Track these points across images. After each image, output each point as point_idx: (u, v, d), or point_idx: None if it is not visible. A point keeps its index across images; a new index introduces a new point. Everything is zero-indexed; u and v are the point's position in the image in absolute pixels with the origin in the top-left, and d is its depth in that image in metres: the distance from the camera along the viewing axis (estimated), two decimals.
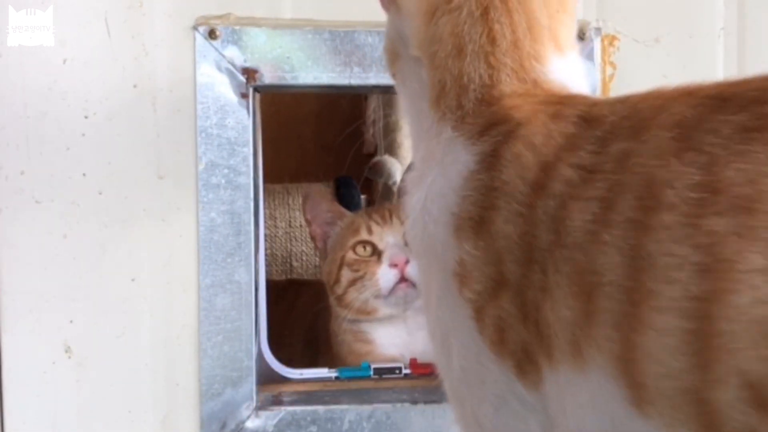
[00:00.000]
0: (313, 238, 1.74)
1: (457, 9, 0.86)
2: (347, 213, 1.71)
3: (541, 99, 0.82)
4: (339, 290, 1.64)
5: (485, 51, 0.85)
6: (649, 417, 0.65)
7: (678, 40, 1.48)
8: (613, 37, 1.45)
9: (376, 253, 1.62)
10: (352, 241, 1.64)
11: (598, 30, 1.44)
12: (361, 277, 1.61)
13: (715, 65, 1.49)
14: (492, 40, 0.85)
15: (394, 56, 0.97)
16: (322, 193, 1.85)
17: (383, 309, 1.62)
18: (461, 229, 0.79)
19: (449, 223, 0.80)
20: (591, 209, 0.69)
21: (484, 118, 0.82)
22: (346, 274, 1.63)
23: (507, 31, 0.85)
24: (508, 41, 0.85)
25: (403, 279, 1.58)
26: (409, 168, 0.90)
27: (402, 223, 1.62)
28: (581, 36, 1.42)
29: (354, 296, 1.61)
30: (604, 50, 1.45)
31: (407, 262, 1.58)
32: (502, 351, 0.77)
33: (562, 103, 0.81)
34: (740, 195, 0.61)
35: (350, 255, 1.63)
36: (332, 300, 1.68)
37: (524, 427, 0.79)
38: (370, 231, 1.64)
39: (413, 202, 0.86)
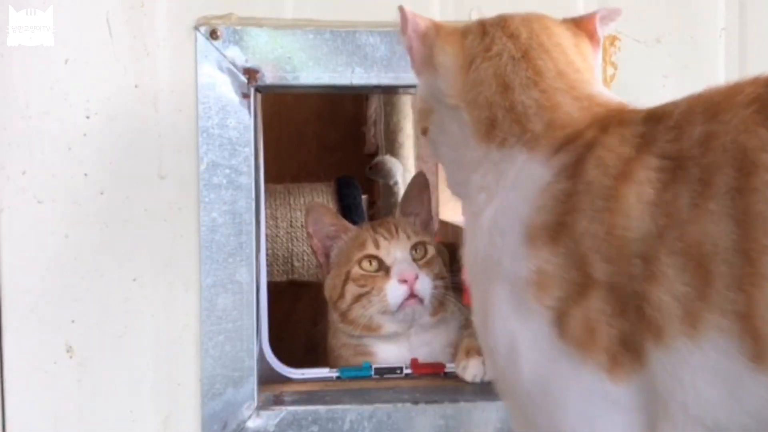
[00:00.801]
0: (314, 252, 1.69)
1: (497, 55, 0.96)
2: (351, 227, 1.67)
3: (604, 112, 0.90)
4: (343, 306, 1.60)
5: (533, 80, 0.94)
6: None
7: (679, 40, 1.48)
8: (615, 37, 1.45)
9: (383, 268, 1.58)
10: (358, 255, 1.60)
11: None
12: (368, 293, 1.57)
13: (716, 65, 1.49)
14: (538, 72, 0.94)
15: (427, 113, 1.05)
16: (324, 206, 1.81)
17: (388, 326, 1.59)
18: (536, 238, 0.83)
19: (521, 233, 0.85)
20: (691, 188, 0.75)
21: (558, 137, 0.89)
22: (352, 290, 1.59)
23: (550, 65, 0.95)
24: (553, 72, 0.95)
25: (412, 295, 1.55)
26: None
27: (408, 237, 1.61)
28: None
29: (359, 312, 1.58)
30: (605, 50, 1.45)
31: (417, 277, 1.55)
32: (593, 349, 0.80)
33: (622, 111, 0.89)
34: None
35: (356, 270, 1.59)
36: (335, 316, 1.64)
37: (605, 429, 0.81)
38: (377, 245, 1.60)
39: (481, 222, 0.91)
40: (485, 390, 1.50)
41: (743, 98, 0.76)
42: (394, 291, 1.55)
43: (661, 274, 0.75)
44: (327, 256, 1.67)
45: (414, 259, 1.60)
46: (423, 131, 1.08)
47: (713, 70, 1.49)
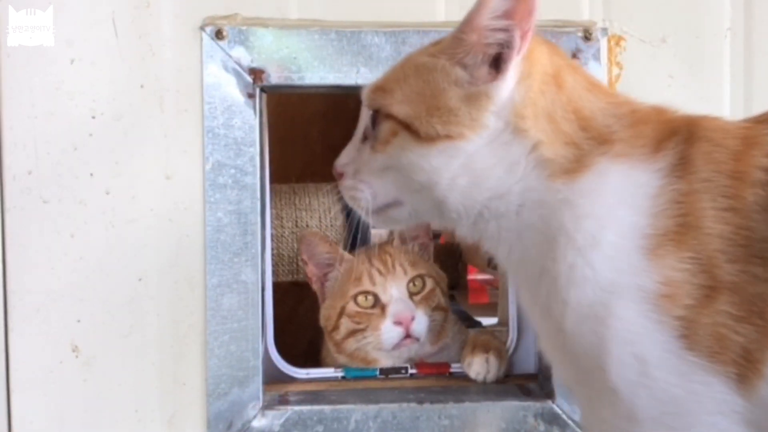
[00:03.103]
0: (309, 279, 1.66)
1: (572, 88, 0.92)
2: (346, 256, 1.63)
3: (679, 113, 0.88)
4: (337, 337, 1.59)
5: (612, 103, 0.91)
6: None
7: (684, 40, 1.47)
8: (620, 38, 1.45)
9: (379, 305, 1.56)
10: (353, 291, 1.57)
11: (604, 30, 1.44)
12: (363, 330, 1.56)
13: (721, 65, 1.49)
14: (609, 95, 0.93)
15: (463, 120, 0.92)
16: (317, 234, 1.77)
17: (383, 360, 1.59)
18: (659, 247, 0.80)
19: (638, 245, 0.81)
20: None
21: (650, 140, 0.85)
22: (346, 324, 1.58)
23: (601, 84, 0.94)
24: (605, 91, 0.94)
25: (407, 335, 1.54)
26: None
27: (405, 272, 1.58)
28: (587, 36, 1.42)
29: (353, 346, 1.57)
30: (610, 50, 1.45)
31: (413, 318, 1.53)
32: (724, 360, 0.77)
33: (688, 115, 0.88)
34: None
35: (351, 306, 1.57)
36: (330, 345, 1.63)
37: None
38: (372, 281, 1.57)
39: (600, 249, 0.84)
40: (490, 390, 1.51)
41: None
42: (388, 332, 1.54)
43: None
44: (322, 283, 1.65)
45: (411, 293, 1.57)
46: (444, 137, 0.91)
47: (718, 70, 1.49)
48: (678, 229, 0.79)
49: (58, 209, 1.38)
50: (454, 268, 1.63)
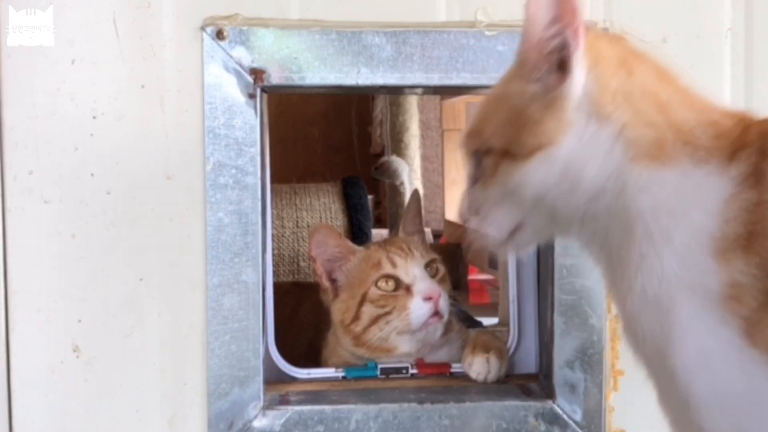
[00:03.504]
0: (317, 276, 1.65)
1: (642, 71, 0.95)
2: (356, 248, 1.65)
3: (747, 120, 0.92)
4: (358, 328, 1.58)
5: (684, 100, 0.94)
6: None
7: (685, 40, 1.47)
8: (621, 38, 1.45)
9: (402, 287, 1.57)
10: (374, 276, 1.58)
11: (605, 30, 1.44)
12: (388, 313, 1.55)
13: (721, 66, 1.49)
14: (682, 91, 0.95)
15: (543, 129, 0.96)
16: (329, 227, 1.77)
17: (403, 346, 1.58)
18: (728, 251, 0.84)
19: (708, 246, 0.86)
20: None
21: (726, 147, 0.89)
22: (369, 311, 1.57)
23: (682, 85, 0.96)
24: (687, 92, 0.96)
25: (435, 312, 1.54)
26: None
27: (422, 255, 1.60)
28: None
29: (375, 334, 1.56)
30: None
31: (440, 294, 1.55)
32: None
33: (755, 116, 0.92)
34: None
35: (374, 291, 1.57)
36: (346, 340, 1.62)
37: None
38: (393, 264, 1.58)
39: (670, 243, 0.89)
40: (491, 390, 1.51)
41: None
42: (419, 309, 1.54)
43: None
44: (332, 279, 1.64)
45: (429, 276, 1.59)
46: (527, 153, 0.95)
47: (719, 70, 1.49)
48: (747, 236, 0.84)
49: (59, 209, 1.38)
50: (455, 269, 1.64)
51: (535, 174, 0.95)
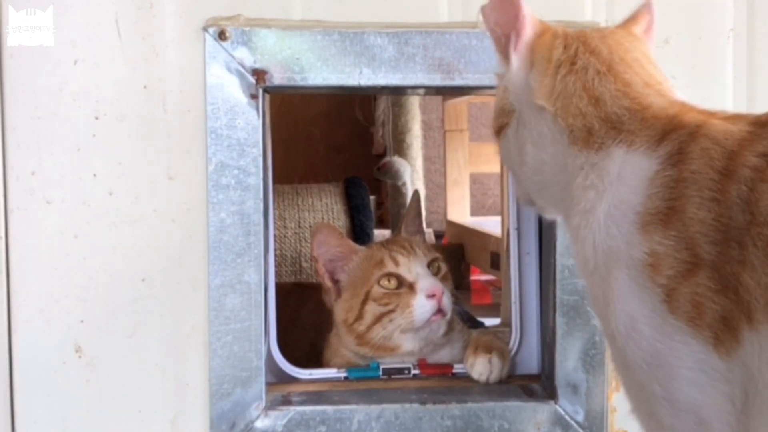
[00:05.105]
0: (320, 277, 1.65)
1: (582, 69, 1.03)
2: (358, 247, 1.65)
3: (700, 110, 0.98)
4: (361, 327, 1.58)
5: (623, 91, 1.01)
6: None
7: (687, 41, 1.47)
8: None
9: (405, 284, 1.57)
10: (377, 274, 1.58)
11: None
12: (391, 311, 1.55)
13: (723, 66, 1.49)
14: (626, 84, 1.02)
15: (507, 111, 1.11)
16: (331, 227, 1.78)
17: (407, 344, 1.57)
18: (649, 224, 0.91)
19: (635, 221, 0.93)
20: None
21: (657, 129, 0.96)
22: (372, 309, 1.57)
23: (636, 77, 1.03)
24: (641, 81, 1.03)
25: (439, 310, 1.54)
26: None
27: (424, 254, 1.62)
28: None
29: (378, 332, 1.56)
30: None
31: (443, 292, 1.54)
32: (700, 324, 0.88)
33: (725, 112, 0.97)
34: None
35: (377, 289, 1.57)
36: (349, 339, 1.61)
37: (712, 397, 0.89)
38: (396, 263, 1.59)
39: (596, 216, 0.98)
40: (493, 391, 1.51)
41: None
42: (422, 306, 1.54)
43: (749, 262, 0.84)
44: (334, 280, 1.64)
45: (435, 274, 1.60)
46: (498, 130, 1.14)
47: (721, 70, 1.49)
48: (666, 211, 0.90)
49: (62, 210, 1.38)
50: (456, 269, 1.63)
51: (501, 149, 1.16)
